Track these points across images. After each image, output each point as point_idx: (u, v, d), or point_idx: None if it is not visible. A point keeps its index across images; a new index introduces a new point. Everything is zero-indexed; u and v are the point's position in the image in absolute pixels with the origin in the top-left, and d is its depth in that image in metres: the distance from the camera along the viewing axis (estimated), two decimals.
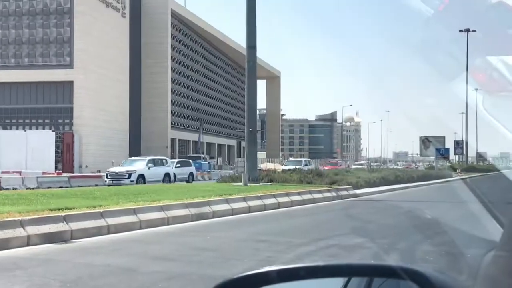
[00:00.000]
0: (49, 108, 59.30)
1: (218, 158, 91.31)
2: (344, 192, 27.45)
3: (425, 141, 76.73)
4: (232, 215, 17.59)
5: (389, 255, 9.87)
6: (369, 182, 33.57)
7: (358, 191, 29.13)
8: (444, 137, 75.28)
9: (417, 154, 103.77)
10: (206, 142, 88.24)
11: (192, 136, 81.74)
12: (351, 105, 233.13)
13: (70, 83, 57.77)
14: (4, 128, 58.49)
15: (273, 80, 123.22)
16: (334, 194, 26.15)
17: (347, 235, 12.83)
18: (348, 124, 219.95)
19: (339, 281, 1.68)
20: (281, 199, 21.39)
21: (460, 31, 46.71)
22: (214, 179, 41.95)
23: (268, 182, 31.08)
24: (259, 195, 20.75)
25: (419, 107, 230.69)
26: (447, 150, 72.47)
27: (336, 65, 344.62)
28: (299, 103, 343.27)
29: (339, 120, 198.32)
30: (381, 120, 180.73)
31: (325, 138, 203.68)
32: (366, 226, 15.33)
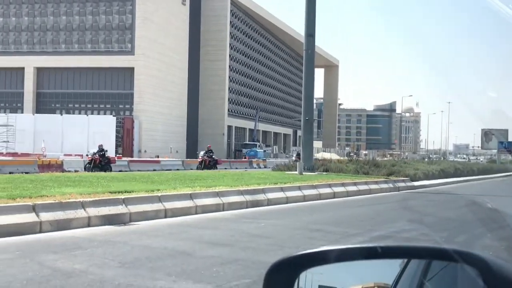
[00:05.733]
0: (111, 94, 60.72)
1: (274, 147, 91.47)
2: (402, 184, 27.05)
3: (487, 134, 74.67)
4: (287, 203, 17.61)
5: None
6: (427, 174, 32.96)
7: (416, 183, 28.66)
8: (507, 130, 72.98)
9: (478, 147, 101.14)
10: (262, 130, 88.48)
11: (248, 124, 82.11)
12: (411, 96, 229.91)
13: (131, 69, 58.95)
14: (67, 112, 60.27)
15: (331, 69, 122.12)
16: (391, 185, 25.80)
17: (404, 227, 12.63)
18: (407, 114, 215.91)
19: (396, 264, 1.66)
20: (336, 189, 21.26)
21: None
22: (269, 167, 42.10)
23: (323, 171, 30.97)
24: (314, 184, 20.68)
25: (482, 100, 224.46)
26: (510, 143, 70.24)
27: (396, 54, 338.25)
28: (357, 92, 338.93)
29: (398, 110, 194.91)
30: (442, 111, 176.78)
31: (383, 129, 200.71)
32: (423, 219, 15.05)
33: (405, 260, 1.65)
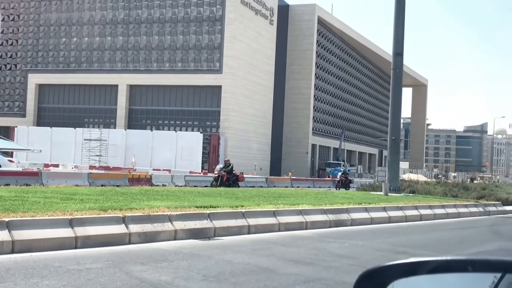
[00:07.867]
0: (198, 111, 62.21)
1: (359, 166, 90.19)
2: (493, 208, 25.98)
3: None
4: (371, 224, 17.32)
5: None
6: None
7: (508, 208, 27.44)
8: None
9: None
10: (347, 149, 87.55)
11: (333, 143, 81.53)
12: (503, 117, 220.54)
13: (219, 87, 60.20)
14: (157, 128, 62.28)
15: (420, 88, 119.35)
16: (481, 209, 24.85)
17: (494, 253, 12.11)
18: (499, 136, 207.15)
19: (487, 281, 1.59)
20: (423, 211, 20.71)
21: None
22: (353, 187, 41.54)
23: (410, 193, 30.29)
24: (400, 205, 20.25)
25: None
26: None
27: (488, 74, 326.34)
28: (447, 112, 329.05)
29: (490, 132, 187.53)
30: None
31: (474, 151, 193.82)
32: None
33: (497, 277, 1.60)
